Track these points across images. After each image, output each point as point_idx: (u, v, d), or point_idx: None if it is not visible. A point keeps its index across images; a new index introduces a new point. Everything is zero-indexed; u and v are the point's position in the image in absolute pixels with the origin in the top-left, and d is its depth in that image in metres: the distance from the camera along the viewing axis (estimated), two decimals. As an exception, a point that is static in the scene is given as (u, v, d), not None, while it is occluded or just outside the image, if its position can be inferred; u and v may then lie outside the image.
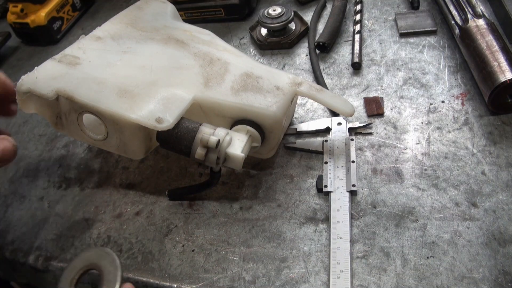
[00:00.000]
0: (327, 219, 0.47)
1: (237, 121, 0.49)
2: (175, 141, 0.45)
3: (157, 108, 0.46)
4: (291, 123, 0.58)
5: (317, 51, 0.66)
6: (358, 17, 0.68)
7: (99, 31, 0.56)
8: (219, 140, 0.44)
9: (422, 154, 0.51)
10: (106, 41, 0.54)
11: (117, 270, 0.38)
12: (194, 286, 0.45)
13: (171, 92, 0.48)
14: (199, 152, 0.44)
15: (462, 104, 0.55)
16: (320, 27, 0.70)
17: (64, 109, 0.50)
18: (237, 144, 0.46)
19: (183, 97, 0.48)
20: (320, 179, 0.50)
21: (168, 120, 0.45)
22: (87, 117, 0.49)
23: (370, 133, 0.54)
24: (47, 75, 0.48)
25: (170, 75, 0.51)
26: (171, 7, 0.64)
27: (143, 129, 0.47)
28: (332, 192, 0.48)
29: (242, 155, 0.45)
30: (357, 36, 0.65)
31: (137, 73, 0.50)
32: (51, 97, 0.46)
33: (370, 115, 0.56)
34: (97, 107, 0.46)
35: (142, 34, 0.56)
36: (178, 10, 0.78)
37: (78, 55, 0.51)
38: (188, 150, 0.45)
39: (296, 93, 0.50)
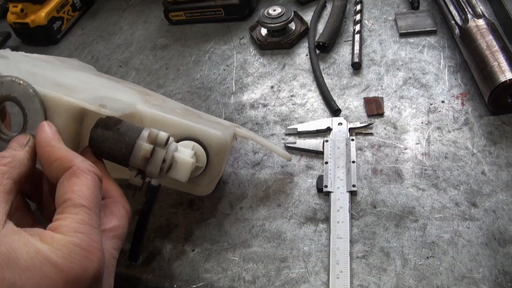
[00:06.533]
0: (327, 219, 0.47)
1: (181, 139, 0.45)
2: (115, 138, 0.38)
3: (99, 101, 0.40)
4: (290, 124, 0.58)
5: (317, 51, 0.66)
6: (358, 17, 0.68)
7: (25, 54, 0.52)
8: (169, 137, 0.39)
9: (422, 154, 0.51)
10: (34, 59, 0.51)
11: (37, 105, 0.34)
12: (194, 286, 0.45)
13: (113, 96, 0.44)
14: (146, 147, 0.38)
15: (462, 104, 0.55)
16: (320, 27, 0.70)
17: None
18: (184, 151, 0.42)
19: (126, 102, 0.44)
20: (320, 179, 0.50)
21: (114, 109, 0.39)
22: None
23: (371, 133, 0.54)
24: None
25: (107, 90, 0.47)
26: (93, 69, 0.65)
27: (77, 121, 0.40)
28: (332, 192, 0.48)
29: (192, 160, 0.41)
30: (357, 36, 0.65)
31: (72, 80, 0.46)
32: None
33: (370, 115, 0.56)
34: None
35: (72, 67, 0.54)
36: (178, 10, 0.78)
37: (6, 54, 0.46)
38: (130, 149, 0.38)
39: (235, 132, 0.49)
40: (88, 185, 0.33)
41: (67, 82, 0.44)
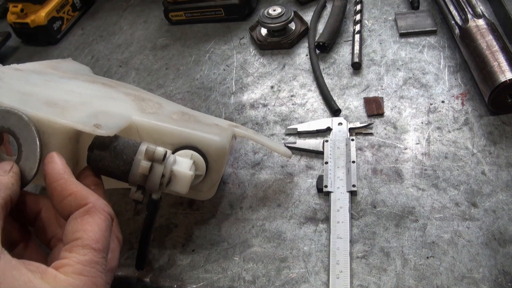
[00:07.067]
0: (327, 219, 0.47)
1: (178, 148, 0.45)
2: (112, 156, 0.38)
3: (93, 119, 0.40)
4: (290, 124, 0.58)
5: (317, 51, 0.66)
6: (358, 17, 0.68)
7: (17, 65, 0.51)
8: (166, 152, 0.39)
9: (422, 154, 0.51)
10: (27, 72, 0.50)
11: (32, 133, 0.34)
12: (194, 286, 0.45)
13: (108, 109, 0.44)
14: (144, 165, 0.38)
15: (462, 104, 0.55)
16: (320, 27, 0.70)
17: None
18: (183, 163, 0.41)
19: (121, 114, 0.44)
20: (320, 179, 0.50)
21: (109, 127, 0.39)
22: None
23: (371, 133, 0.54)
24: None
25: (101, 101, 0.46)
26: (88, 69, 0.64)
27: (73, 141, 0.41)
28: (332, 192, 0.48)
29: (191, 173, 0.41)
30: (357, 36, 0.65)
31: (65, 94, 0.45)
32: None
33: (370, 115, 0.56)
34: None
35: (65, 75, 0.53)
36: (178, 10, 0.78)
37: None
38: (128, 166, 0.38)
39: (234, 132, 0.48)
40: (100, 225, 0.33)
41: (60, 98, 0.43)
